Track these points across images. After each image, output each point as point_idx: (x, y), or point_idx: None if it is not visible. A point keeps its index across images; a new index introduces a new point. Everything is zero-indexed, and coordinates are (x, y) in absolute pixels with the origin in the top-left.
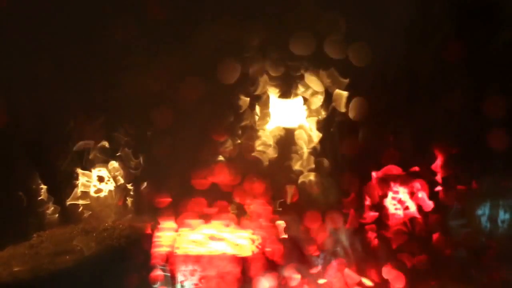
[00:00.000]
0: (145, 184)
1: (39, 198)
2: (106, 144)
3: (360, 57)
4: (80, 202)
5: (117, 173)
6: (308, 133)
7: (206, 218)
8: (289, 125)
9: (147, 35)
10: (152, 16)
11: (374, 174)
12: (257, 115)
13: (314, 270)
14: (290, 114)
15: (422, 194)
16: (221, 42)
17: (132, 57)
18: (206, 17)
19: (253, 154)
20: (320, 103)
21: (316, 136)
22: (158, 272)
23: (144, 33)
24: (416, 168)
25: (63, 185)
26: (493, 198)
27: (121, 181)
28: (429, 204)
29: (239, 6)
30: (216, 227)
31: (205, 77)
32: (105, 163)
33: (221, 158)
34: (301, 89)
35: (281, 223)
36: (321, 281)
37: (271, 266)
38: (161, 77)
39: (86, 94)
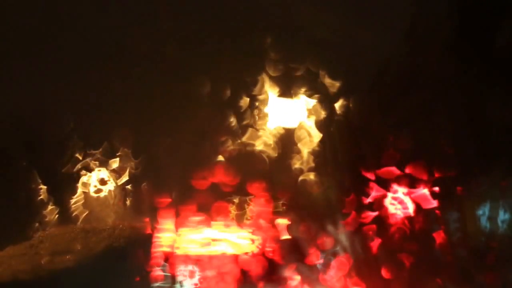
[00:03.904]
0: (145, 184)
1: (39, 198)
2: (106, 144)
3: (360, 57)
4: (80, 202)
5: (117, 173)
6: (308, 133)
7: (206, 218)
8: (289, 125)
9: (147, 35)
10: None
11: (374, 174)
12: (257, 115)
13: (314, 270)
14: (290, 114)
15: (422, 195)
16: (221, 43)
17: (132, 57)
18: (206, 19)
19: (254, 153)
20: (320, 103)
21: (316, 136)
22: (158, 272)
23: (145, 33)
24: (416, 169)
25: (63, 185)
26: (493, 198)
27: (121, 181)
28: (429, 204)
29: (240, 8)
30: (216, 227)
31: (205, 77)
32: (105, 163)
33: (221, 158)
34: (301, 89)
35: (281, 223)
36: (321, 281)
37: (271, 266)
38: (162, 77)
39: (86, 95)
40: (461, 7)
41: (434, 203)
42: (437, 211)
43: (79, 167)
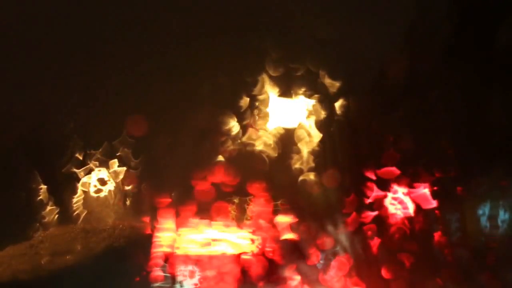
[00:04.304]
0: (145, 184)
1: (39, 198)
2: (106, 144)
3: (360, 57)
4: (80, 202)
5: (117, 173)
6: (308, 133)
7: (206, 218)
8: (289, 125)
9: (147, 35)
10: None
11: (374, 174)
12: (257, 115)
13: (314, 270)
14: (290, 114)
15: (422, 195)
16: (221, 44)
17: (133, 58)
18: (207, 19)
19: (254, 153)
20: (320, 103)
21: (316, 136)
22: (158, 272)
23: (144, 34)
24: (416, 169)
25: (63, 185)
26: (493, 198)
27: (121, 181)
28: (429, 204)
29: (240, 8)
30: (216, 227)
31: (206, 77)
32: (105, 163)
33: (221, 158)
34: (301, 89)
35: (281, 223)
36: (321, 281)
37: (271, 266)
38: (162, 77)
39: (86, 96)
40: (461, 7)
41: (434, 203)
42: (437, 211)
43: (79, 167)
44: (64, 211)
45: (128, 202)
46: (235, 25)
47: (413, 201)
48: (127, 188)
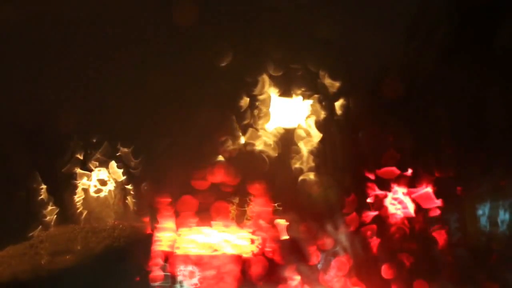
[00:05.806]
0: (145, 184)
1: (39, 198)
2: (106, 144)
3: (360, 57)
4: (80, 202)
5: (117, 173)
6: (308, 133)
7: (206, 218)
8: (289, 125)
9: (148, 35)
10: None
11: (374, 174)
12: (257, 115)
13: (314, 270)
14: (290, 114)
15: (422, 194)
16: (222, 44)
17: (133, 58)
18: (207, 20)
19: (254, 153)
20: (320, 103)
21: (316, 136)
22: (158, 272)
23: (144, 33)
24: (416, 169)
25: (63, 185)
26: (493, 198)
27: (121, 181)
28: (429, 204)
29: (241, 9)
30: (216, 227)
31: (206, 77)
32: (105, 163)
33: (221, 158)
34: (301, 89)
35: (281, 223)
36: (321, 281)
37: (271, 266)
38: (162, 77)
39: (86, 95)
40: (461, 7)
41: (434, 203)
42: (436, 211)
43: (79, 167)
44: (64, 211)
45: (128, 202)
46: (235, 25)
47: (413, 201)
48: (127, 188)
